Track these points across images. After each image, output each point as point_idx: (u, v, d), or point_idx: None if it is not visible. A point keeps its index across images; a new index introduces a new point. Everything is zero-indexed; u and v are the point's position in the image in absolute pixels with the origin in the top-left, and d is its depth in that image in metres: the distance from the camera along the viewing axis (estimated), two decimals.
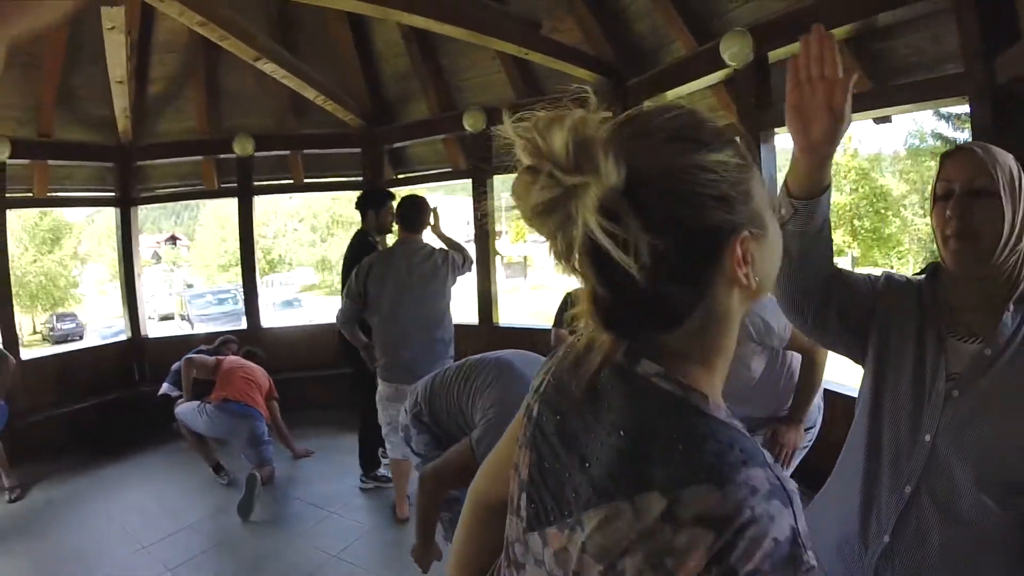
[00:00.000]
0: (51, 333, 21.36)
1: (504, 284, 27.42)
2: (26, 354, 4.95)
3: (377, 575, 2.78)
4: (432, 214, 3.31)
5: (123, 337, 5.52)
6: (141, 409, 4.93)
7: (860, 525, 1.07)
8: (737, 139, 0.56)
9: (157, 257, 41.77)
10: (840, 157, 17.82)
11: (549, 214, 0.51)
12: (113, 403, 4.95)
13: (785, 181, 1.01)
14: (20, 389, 4.38)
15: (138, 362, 5.38)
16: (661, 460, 0.52)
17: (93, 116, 4.92)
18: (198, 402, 3.83)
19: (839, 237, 18.42)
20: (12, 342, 4.56)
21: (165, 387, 4.43)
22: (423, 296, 3.16)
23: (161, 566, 2.83)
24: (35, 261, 24.24)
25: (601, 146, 0.49)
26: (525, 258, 34.51)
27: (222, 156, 5.35)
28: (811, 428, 2.13)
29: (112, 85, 4.26)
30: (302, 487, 3.78)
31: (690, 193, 0.52)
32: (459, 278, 3.36)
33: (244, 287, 5.74)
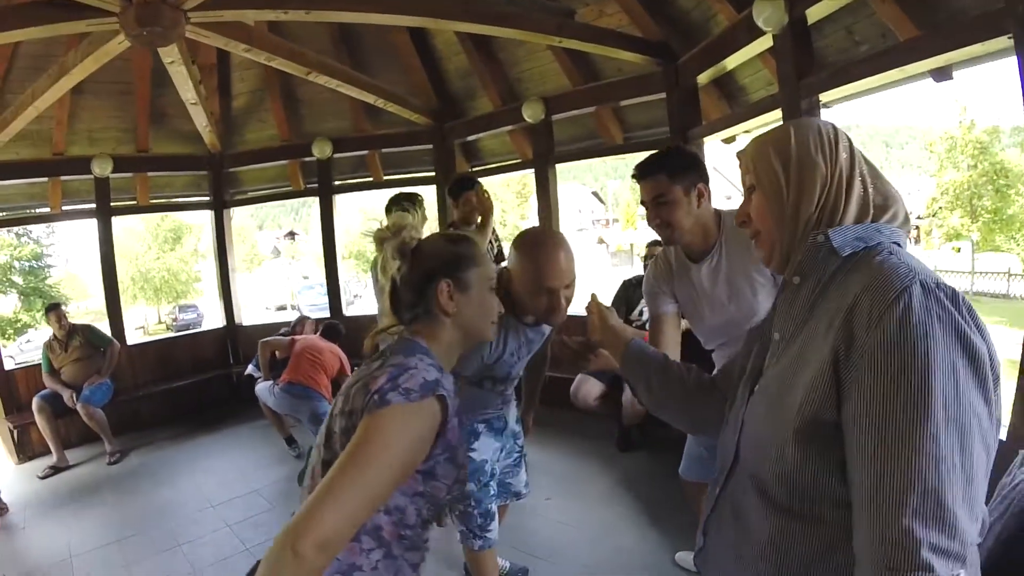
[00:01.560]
0: (174, 323, 22.99)
1: (611, 272, 27.12)
2: (133, 339, 5.64)
3: None
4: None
5: (220, 324, 6.14)
6: (233, 388, 5.53)
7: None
8: (468, 241, 1.22)
9: (277, 252, 43.97)
10: (956, 131, 16.01)
11: (380, 245, 1.17)
12: (209, 382, 5.56)
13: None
14: (126, 370, 5.07)
15: (232, 346, 5.98)
16: (390, 355, 1.08)
17: (184, 131, 5.48)
18: (272, 382, 4.20)
19: (956, 219, 16.46)
20: (119, 331, 5.24)
21: (250, 368, 4.87)
22: None
23: (222, 522, 3.20)
24: (158, 259, 26.39)
25: (416, 232, 1.18)
26: (632, 246, 34.20)
27: (305, 159, 5.75)
28: None
29: (188, 107, 4.75)
30: None
31: (428, 258, 1.16)
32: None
33: (326, 278, 6.11)
